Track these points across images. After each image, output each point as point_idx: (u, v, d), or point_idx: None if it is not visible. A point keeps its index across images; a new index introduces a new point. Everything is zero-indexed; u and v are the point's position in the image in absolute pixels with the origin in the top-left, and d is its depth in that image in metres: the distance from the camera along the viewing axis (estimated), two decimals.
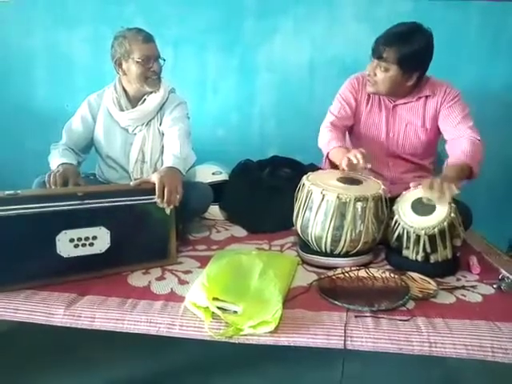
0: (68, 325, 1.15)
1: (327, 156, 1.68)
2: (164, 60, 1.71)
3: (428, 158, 1.80)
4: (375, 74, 1.63)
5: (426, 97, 1.69)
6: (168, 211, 1.41)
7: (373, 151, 1.76)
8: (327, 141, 1.67)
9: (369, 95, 1.76)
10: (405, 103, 1.72)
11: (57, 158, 1.61)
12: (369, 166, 1.47)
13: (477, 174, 1.54)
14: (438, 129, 1.72)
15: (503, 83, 2.18)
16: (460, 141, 1.59)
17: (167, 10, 2.29)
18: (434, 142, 1.78)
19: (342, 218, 1.42)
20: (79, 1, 2.33)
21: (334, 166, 1.66)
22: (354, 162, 1.46)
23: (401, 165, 1.79)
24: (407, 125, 1.73)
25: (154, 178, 1.40)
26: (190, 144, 1.71)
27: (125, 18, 2.26)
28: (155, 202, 1.38)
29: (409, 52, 1.54)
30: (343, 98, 1.78)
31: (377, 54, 1.60)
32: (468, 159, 1.50)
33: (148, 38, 1.65)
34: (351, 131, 1.84)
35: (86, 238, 1.31)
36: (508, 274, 1.35)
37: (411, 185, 1.48)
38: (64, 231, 1.28)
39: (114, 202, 1.35)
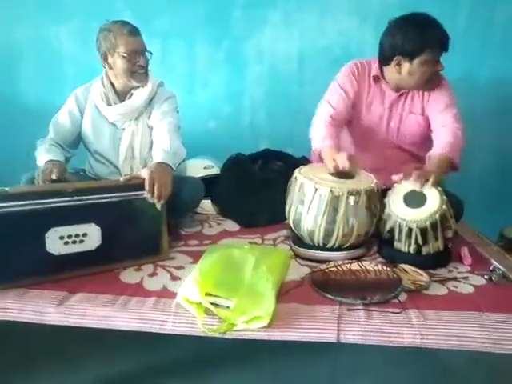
0: (59, 323, 1.14)
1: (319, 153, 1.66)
2: (151, 53, 1.68)
3: (425, 150, 1.79)
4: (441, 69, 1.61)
5: None
6: (158, 206, 1.40)
7: (371, 141, 1.78)
8: (322, 137, 1.64)
9: (369, 85, 1.73)
10: (407, 91, 1.71)
11: (43, 155, 1.58)
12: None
13: (458, 165, 1.55)
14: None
15: (493, 75, 2.19)
16: (443, 131, 1.61)
17: (155, 2, 2.25)
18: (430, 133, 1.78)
19: (335, 212, 1.42)
20: None
21: (323, 162, 1.65)
22: (340, 168, 1.48)
23: (399, 155, 1.78)
24: (409, 114, 1.73)
25: (144, 173, 1.39)
26: (180, 138, 1.69)
27: (113, 10, 2.22)
28: (146, 198, 1.37)
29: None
30: (342, 87, 1.72)
31: (446, 45, 1.57)
32: (449, 151, 1.52)
33: (134, 32, 1.62)
34: (349, 125, 1.83)
35: (77, 235, 1.30)
36: (499, 265, 1.36)
37: (394, 177, 1.49)
38: (53, 228, 1.26)
39: (104, 198, 1.33)
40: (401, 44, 1.57)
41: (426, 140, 1.77)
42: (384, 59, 1.66)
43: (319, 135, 1.65)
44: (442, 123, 1.63)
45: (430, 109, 1.69)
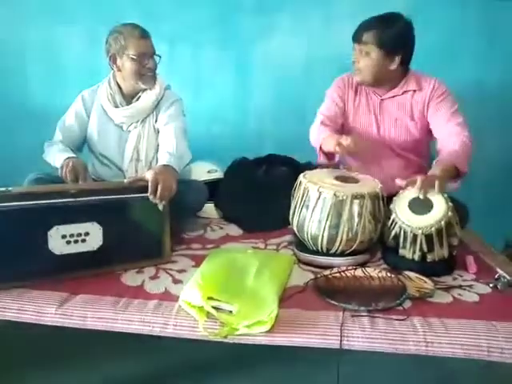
0: (59, 324, 1.13)
1: (320, 148, 1.66)
2: (160, 57, 1.69)
3: (421, 157, 1.79)
4: (358, 61, 1.66)
5: (413, 91, 1.70)
6: (161, 207, 1.39)
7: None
8: (318, 134, 1.68)
9: (355, 93, 1.78)
10: (391, 97, 1.73)
11: (60, 154, 1.59)
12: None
13: (465, 171, 1.52)
14: (429, 124, 1.71)
15: (501, 81, 2.18)
16: (449, 140, 1.59)
17: (163, 5, 2.27)
18: (426, 139, 1.77)
19: (339, 216, 1.41)
20: None
21: (328, 157, 1.66)
22: (344, 144, 1.45)
23: (394, 162, 1.77)
24: (397, 120, 1.74)
25: (148, 175, 1.39)
26: (186, 142, 1.69)
27: (120, 13, 2.23)
28: (149, 200, 1.37)
29: (387, 32, 1.59)
30: (331, 97, 1.80)
31: (357, 38, 1.64)
32: (454, 158, 1.50)
33: (144, 34, 1.63)
34: (342, 132, 1.83)
35: (79, 234, 1.29)
36: (504, 274, 1.35)
37: (398, 181, 1.45)
38: (56, 227, 1.26)
39: (107, 198, 1.33)
40: None
41: (422, 145, 1.78)
42: None
43: (315, 135, 1.70)
44: (448, 133, 1.62)
45: (433, 121, 1.68)
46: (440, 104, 1.66)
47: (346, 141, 1.44)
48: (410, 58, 1.69)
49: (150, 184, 1.36)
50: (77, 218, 1.29)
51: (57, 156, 1.59)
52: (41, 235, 1.25)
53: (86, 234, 1.30)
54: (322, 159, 1.70)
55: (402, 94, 1.71)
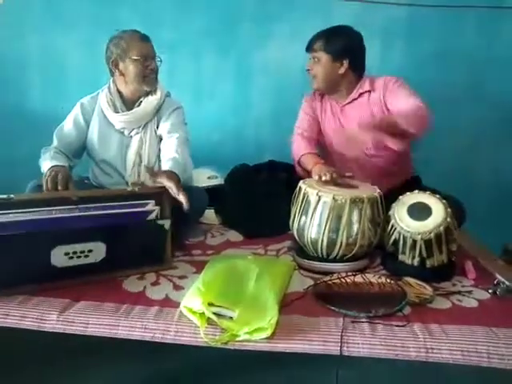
0: (61, 331, 1.13)
1: (298, 162, 1.78)
2: (161, 60, 1.71)
3: (398, 154, 1.70)
4: (312, 69, 1.80)
5: (368, 92, 1.78)
6: (186, 206, 1.36)
7: (339, 155, 1.86)
8: (297, 147, 1.81)
9: (321, 104, 1.90)
10: (349, 102, 1.81)
11: (47, 161, 1.57)
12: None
13: (410, 130, 1.47)
14: None
15: (498, 89, 2.19)
16: (403, 106, 1.61)
17: (163, 13, 2.29)
18: None
19: (338, 220, 1.42)
20: (74, 4, 2.32)
21: (306, 172, 1.73)
22: (323, 179, 1.53)
23: (372, 163, 1.81)
24: (358, 121, 1.75)
25: (163, 180, 1.38)
26: (188, 151, 1.69)
27: (120, 21, 2.24)
28: (151, 209, 1.37)
29: (334, 39, 1.75)
30: (304, 111, 1.93)
31: (309, 47, 1.80)
32: (401, 116, 1.49)
33: (144, 38, 1.66)
34: (319, 140, 1.92)
35: (82, 252, 1.29)
36: (503, 279, 1.35)
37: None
38: (59, 246, 1.25)
39: (110, 208, 1.32)
40: None
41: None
42: None
43: (295, 149, 1.83)
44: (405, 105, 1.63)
45: (393, 106, 1.71)
46: (396, 90, 1.72)
47: (325, 176, 1.52)
48: (362, 64, 1.79)
49: (174, 184, 1.35)
50: (80, 237, 1.28)
51: (44, 163, 1.58)
52: (43, 252, 1.25)
53: (90, 251, 1.30)
54: (299, 171, 1.80)
55: (359, 96, 1.79)
